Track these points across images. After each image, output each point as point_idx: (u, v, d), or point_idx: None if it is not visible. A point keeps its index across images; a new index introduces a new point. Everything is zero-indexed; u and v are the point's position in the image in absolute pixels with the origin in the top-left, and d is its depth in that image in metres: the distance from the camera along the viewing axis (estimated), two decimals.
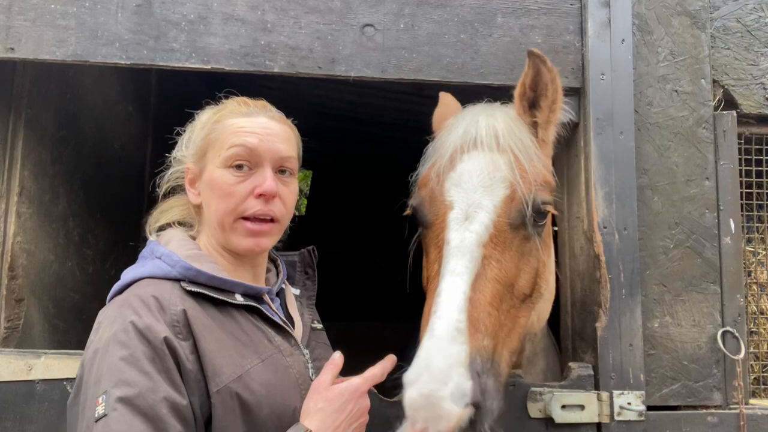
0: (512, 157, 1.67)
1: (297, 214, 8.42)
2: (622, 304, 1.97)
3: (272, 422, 1.33)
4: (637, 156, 2.06)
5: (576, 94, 2.10)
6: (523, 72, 1.78)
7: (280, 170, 1.50)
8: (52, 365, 1.81)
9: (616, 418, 1.87)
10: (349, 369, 1.46)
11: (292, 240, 5.88)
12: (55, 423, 1.78)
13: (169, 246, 1.45)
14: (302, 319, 1.63)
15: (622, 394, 1.90)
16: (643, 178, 2.10)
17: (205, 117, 1.55)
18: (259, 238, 1.45)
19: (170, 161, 1.60)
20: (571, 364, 1.97)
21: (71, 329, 2.44)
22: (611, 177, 2.02)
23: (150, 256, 1.45)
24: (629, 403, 1.88)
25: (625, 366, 1.93)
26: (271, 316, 1.46)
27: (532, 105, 1.82)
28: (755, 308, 2.34)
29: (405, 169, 1.92)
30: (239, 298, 1.43)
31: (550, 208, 1.70)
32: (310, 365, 1.49)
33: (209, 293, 1.38)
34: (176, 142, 1.61)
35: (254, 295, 1.47)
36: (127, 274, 1.42)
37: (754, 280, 2.35)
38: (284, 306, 1.62)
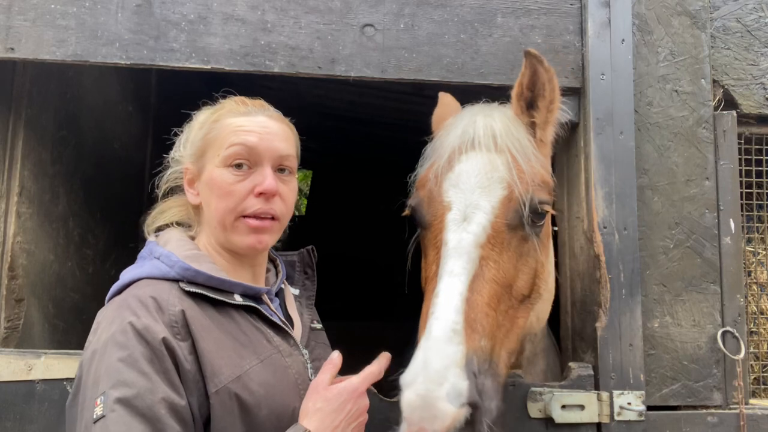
0: (510, 158, 1.67)
1: (297, 214, 8.42)
2: (622, 304, 1.96)
3: (271, 422, 1.33)
4: (637, 156, 2.06)
5: (576, 94, 2.10)
6: (520, 72, 1.78)
7: (280, 169, 1.50)
8: (52, 365, 1.82)
9: (616, 418, 1.87)
10: (349, 369, 1.46)
11: (292, 240, 5.86)
12: (55, 423, 1.78)
13: (168, 246, 1.44)
14: (301, 319, 1.63)
15: (622, 394, 1.89)
16: (643, 178, 2.10)
17: (203, 117, 1.55)
18: (260, 234, 1.45)
19: (168, 162, 1.60)
20: (571, 364, 1.97)
21: (71, 329, 2.44)
22: (611, 177, 2.02)
23: (149, 256, 1.45)
24: (629, 403, 1.88)
25: (625, 366, 1.93)
26: (269, 316, 1.46)
27: (530, 105, 1.81)
28: (755, 308, 2.34)
29: (405, 169, 1.92)
30: (238, 299, 1.42)
31: (548, 208, 1.69)
32: (309, 365, 1.49)
33: (208, 293, 1.38)
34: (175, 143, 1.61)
35: (253, 295, 1.47)
36: (126, 275, 1.42)
37: (754, 280, 2.35)
38: (283, 306, 1.62)
